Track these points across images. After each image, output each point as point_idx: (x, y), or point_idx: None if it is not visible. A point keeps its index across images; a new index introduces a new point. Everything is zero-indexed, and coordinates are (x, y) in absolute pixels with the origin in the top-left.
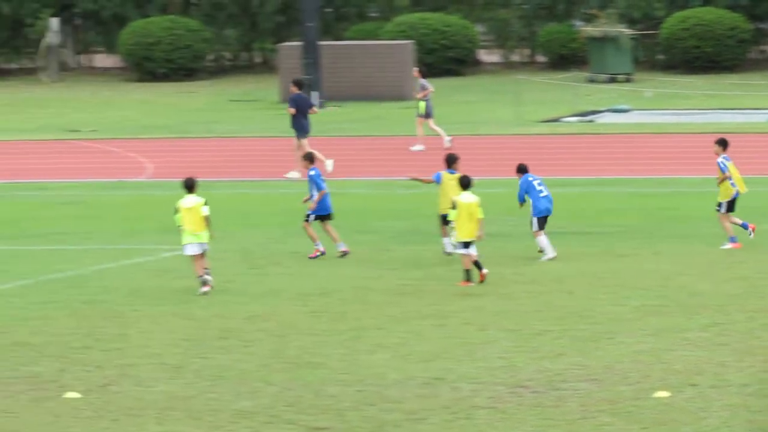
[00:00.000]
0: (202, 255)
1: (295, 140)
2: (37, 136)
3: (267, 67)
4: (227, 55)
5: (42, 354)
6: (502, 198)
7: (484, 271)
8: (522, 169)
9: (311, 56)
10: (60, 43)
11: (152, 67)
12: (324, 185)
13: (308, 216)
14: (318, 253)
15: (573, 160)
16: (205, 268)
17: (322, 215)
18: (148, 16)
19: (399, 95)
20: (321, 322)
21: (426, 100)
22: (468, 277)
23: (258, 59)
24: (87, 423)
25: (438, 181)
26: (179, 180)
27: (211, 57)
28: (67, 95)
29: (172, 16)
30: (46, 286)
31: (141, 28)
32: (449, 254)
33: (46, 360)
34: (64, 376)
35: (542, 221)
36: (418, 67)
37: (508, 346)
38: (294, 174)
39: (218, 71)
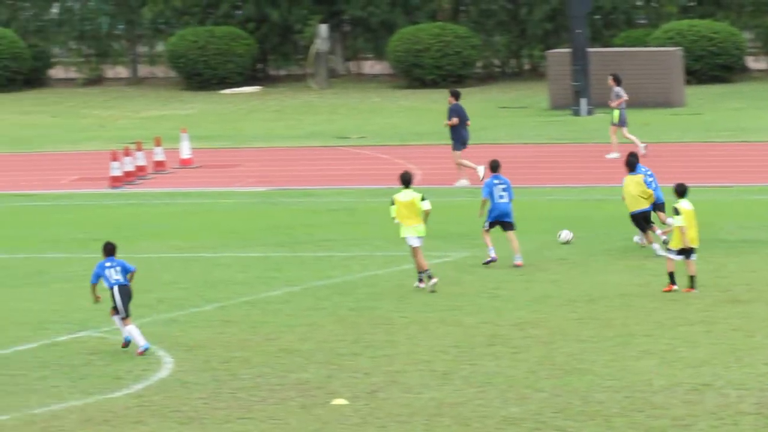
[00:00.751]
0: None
1: (455, 152)
2: (306, 142)
3: (536, 74)
4: (496, 61)
5: (310, 361)
6: None
7: (680, 288)
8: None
9: (580, 63)
10: (329, 50)
11: (421, 73)
12: (487, 193)
13: (485, 222)
14: (489, 260)
15: None
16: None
17: (499, 222)
18: (416, 22)
19: (667, 102)
20: (588, 328)
21: (620, 109)
22: (673, 280)
23: (527, 66)
24: (354, 430)
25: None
26: (446, 187)
27: (479, 64)
28: (336, 102)
29: (441, 23)
30: (314, 293)
31: (410, 34)
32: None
33: (313, 367)
34: (332, 383)
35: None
36: (613, 75)
37: None
38: (463, 182)
39: (487, 78)
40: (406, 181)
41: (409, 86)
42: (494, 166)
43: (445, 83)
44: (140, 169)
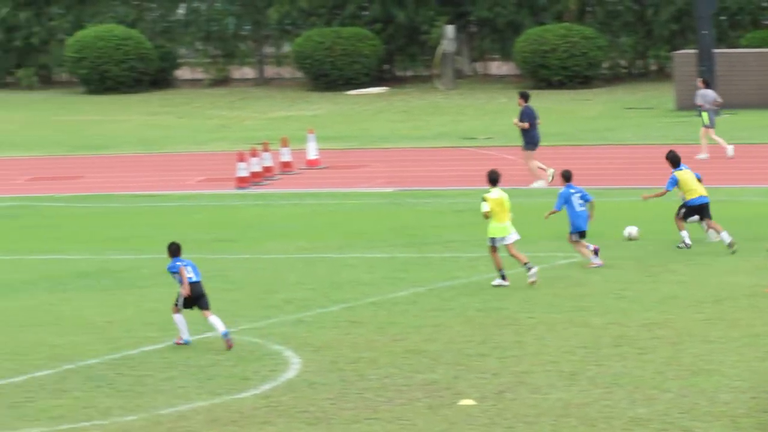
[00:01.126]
0: (513, 244)
1: (522, 151)
2: (432, 143)
3: (662, 74)
4: (622, 62)
5: (437, 361)
6: None
7: None
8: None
9: (706, 64)
10: (455, 51)
11: (547, 74)
12: (560, 205)
13: (571, 234)
14: (595, 265)
15: None
16: (516, 261)
17: (579, 232)
18: (543, 23)
19: None
20: (715, 329)
21: (709, 111)
22: None
23: (653, 67)
24: (481, 430)
25: (674, 184)
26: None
27: (606, 65)
28: (462, 103)
29: (567, 24)
30: (441, 294)
31: (537, 35)
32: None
33: (441, 367)
34: (459, 383)
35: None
36: (702, 77)
37: None
38: (539, 183)
39: (613, 79)
40: (493, 179)
41: (536, 87)
42: (567, 176)
43: (572, 84)
44: (267, 169)
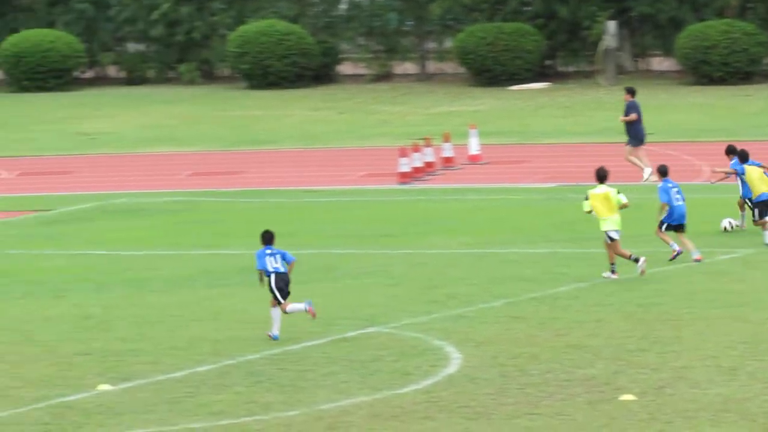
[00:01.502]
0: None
1: (628, 147)
2: (594, 139)
3: None
4: None
5: (597, 356)
6: None
7: None
8: (732, 151)
9: None
10: (617, 47)
11: (709, 70)
12: (666, 198)
13: (661, 224)
14: (675, 254)
15: None
16: (616, 254)
17: (674, 225)
18: (704, 19)
19: None
20: None
21: None
22: None
23: None
24: (641, 425)
25: (741, 170)
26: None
27: (767, 61)
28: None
29: (728, 20)
30: (602, 289)
31: (698, 31)
32: None
33: (601, 362)
34: (619, 379)
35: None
36: None
37: None
38: (648, 171)
39: None
40: (601, 177)
41: (697, 83)
42: (664, 171)
43: (733, 80)
44: (429, 165)
